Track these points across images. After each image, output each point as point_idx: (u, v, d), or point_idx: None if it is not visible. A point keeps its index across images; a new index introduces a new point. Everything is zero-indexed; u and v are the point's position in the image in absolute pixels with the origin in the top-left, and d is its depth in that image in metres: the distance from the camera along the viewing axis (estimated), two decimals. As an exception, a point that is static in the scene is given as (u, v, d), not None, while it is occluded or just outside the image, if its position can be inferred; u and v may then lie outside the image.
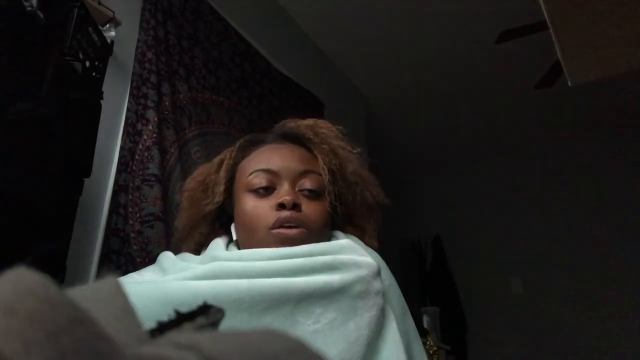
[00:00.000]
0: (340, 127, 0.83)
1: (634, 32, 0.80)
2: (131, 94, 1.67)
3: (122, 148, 1.57)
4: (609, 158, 3.82)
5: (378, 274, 0.63)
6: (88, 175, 1.26)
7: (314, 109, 2.83)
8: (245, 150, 0.80)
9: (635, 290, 3.40)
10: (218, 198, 0.76)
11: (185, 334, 0.17)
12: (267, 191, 0.71)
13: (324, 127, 0.81)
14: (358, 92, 3.58)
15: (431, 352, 2.52)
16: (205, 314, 0.20)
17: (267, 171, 0.72)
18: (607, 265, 3.56)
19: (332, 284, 0.58)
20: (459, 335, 3.87)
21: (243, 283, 0.55)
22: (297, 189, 0.72)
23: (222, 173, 0.78)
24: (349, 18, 2.94)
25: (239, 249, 0.73)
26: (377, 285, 0.61)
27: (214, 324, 0.21)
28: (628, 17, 0.77)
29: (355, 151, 0.82)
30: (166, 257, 0.72)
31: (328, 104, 2.99)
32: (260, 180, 0.72)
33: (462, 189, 4.48)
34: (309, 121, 0.82)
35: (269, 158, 0.74)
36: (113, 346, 0.14)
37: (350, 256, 0.63)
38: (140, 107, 1.68)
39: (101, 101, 1.35)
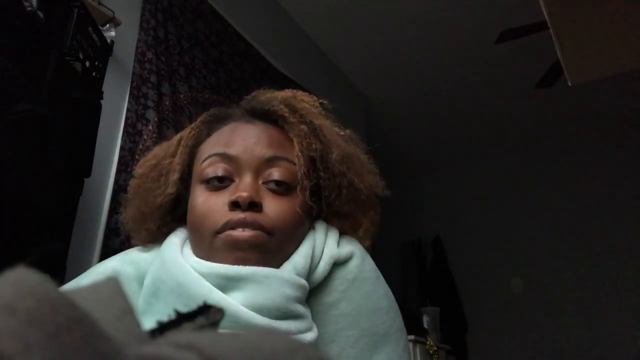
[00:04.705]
0: (325, 102, 0.69)
1: (634, 32, 0.80)
2: (131, 94, 1.67)
3: (122, 148, 1.57)
4: (609, 158, 3.82)
5: None
6: (88, 175, 1.27)
7: (314, 109, 2.83)
8: (210, 129, 0.64)
9: (635, 289, 3.40)
10: (170, 189, 0.61)
11: (185, 334, 0.17)
12: (222, 183, 0.57)
13: (305, 102, 0.66)
14: (358, 92, 3.58)
15: (431, 352, 2.52)
16: (205, 314, 0.20)
17: (224, 156, 0.58)
18: (608, 265, 3.56)
19: None
20: (459, 335, 3.87)
21: None
22: (261, 182, 0.57)
23: (178, 157, 0.62)
24: (349, 18, 2.94)
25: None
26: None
27: (214, 324, 0.21)
28: (628, 18, 0.77)
29: (343, 132, 0.68)
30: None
31: (328, 104, 2.98)
32: (214, 169, 0.57)
33: (462, 189, 4.48)
34: (286, 93, 0.67)
35: (229, 140, 0.59)
36: (113, 346, 0.14)
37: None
38: (140, 107, 1.68)
39: (101, 101, 1.36)
